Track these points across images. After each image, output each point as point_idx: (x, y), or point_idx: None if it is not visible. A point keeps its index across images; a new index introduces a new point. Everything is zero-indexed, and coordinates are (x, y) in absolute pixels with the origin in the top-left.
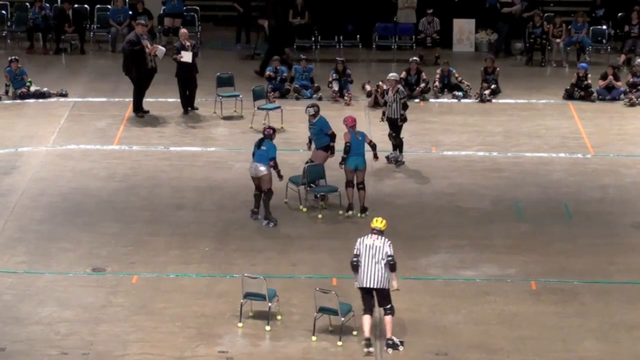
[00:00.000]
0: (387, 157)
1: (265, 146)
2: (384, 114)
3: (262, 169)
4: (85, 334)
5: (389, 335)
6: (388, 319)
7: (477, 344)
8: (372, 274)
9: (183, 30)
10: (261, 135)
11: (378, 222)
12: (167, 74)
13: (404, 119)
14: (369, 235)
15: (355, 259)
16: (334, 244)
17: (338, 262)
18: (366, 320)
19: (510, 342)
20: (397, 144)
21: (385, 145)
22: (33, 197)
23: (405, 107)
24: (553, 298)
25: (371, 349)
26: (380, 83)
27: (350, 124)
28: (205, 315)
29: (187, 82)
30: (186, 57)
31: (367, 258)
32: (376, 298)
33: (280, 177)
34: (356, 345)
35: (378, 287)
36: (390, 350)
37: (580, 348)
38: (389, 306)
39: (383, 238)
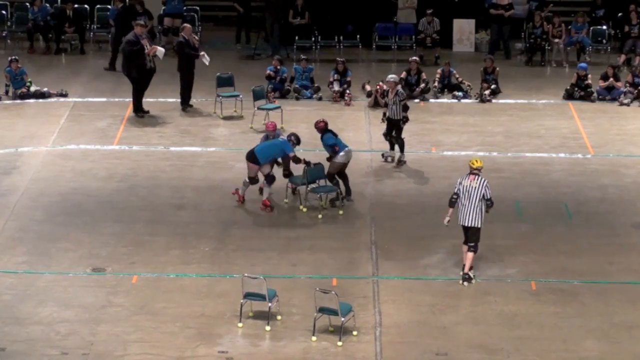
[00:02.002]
0: (383, 155)
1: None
2: (384, 115)
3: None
4: (85, 334)
5: (466, 270)
6: (470, 255)
7: (477, 344)
8: (467, 214)
9: (187, 26)
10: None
11: (477, 162)
12: (167, 74)
13: (406, 120)
14: (467, 175)
15: (454, 197)
16: (334, 244)
17: (338, 262)
18: (464, 250)
19: (510, 342)
20: (399, 145)
21: (384, 146)
22: (33, 197)
23: (405, 108)
24: (553, 298)
25: (465, 284)
26: (381, 83)
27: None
28: (205, 315)
29: (190, 76)
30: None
31: (464, 198)
32: (466, 234)
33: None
34: (356, 345)
35: (470, 225)
36: (465, 284)
37: (581, 348)
38: (473, 244)
39: (480, 179)
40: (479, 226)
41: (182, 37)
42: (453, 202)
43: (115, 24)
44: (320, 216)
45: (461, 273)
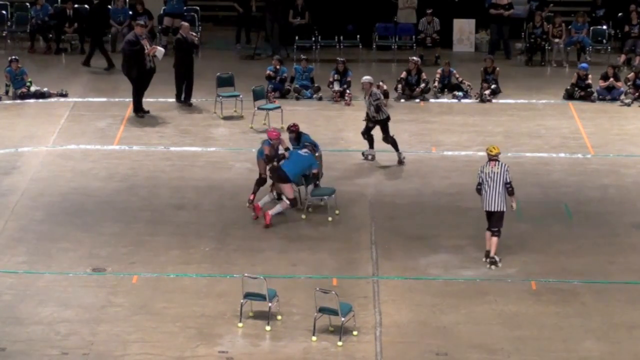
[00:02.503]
0: (363, 154)
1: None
2: (368, 115)
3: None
4: (85, 334)
5: (492, 253)
6: (495, 240)
7: (477, 344)
8: (492, 199)
9: (184, 24)
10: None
11: (495, 149)
12: (167, 74)
13: (388, 117)
14: (487, 163)
15: (478, 187)
16: (334, 244)
17: (338, 262)
18: (488, 236)
19: (510, 342)
20: (391, 143)
21: (384, 146)
22: (33, 197)
23: (378, 109)
24: (553, 298)
25: (492, 267)
26: (381, 83)
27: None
28: (205, 315)
29: (187, 72)
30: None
31: (486, 185)
32: (490, 220)
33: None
34: (356, 345)
35: (495, 210)
36: (492, 267)
37: (581, 348)
38: (497, 229)
39: (500, 164)
40: (504, 210)
41: (180, 35)
42: (480, 190)
43: (88, 20)
44: (330, 219)
45: (486, 259)
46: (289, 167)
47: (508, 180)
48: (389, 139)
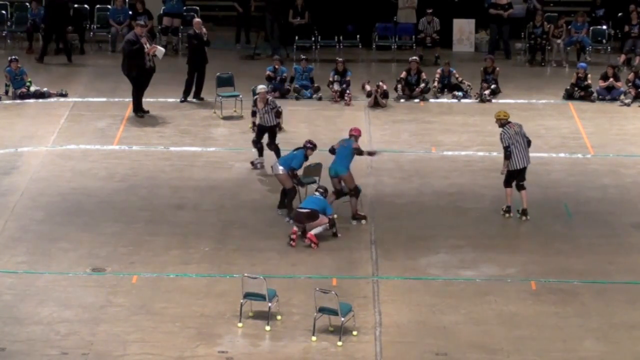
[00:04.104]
0: (252, 163)
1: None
2: (254, 124)
3: (280, 169)
4: (85, 334)
5: (525, 205)
6: (524, 192)
7: (477, 344)
8: (522, 156)
9: (196, 20)
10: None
11: (505, 113)
12: (167, 74)
13: (280, 127)
14: (506, 128)
15: (508, 150)
16: (334, 244)
17: (338, 262)
18: (509, 191)
19: (510, 342)
20: (274, 150)
21: (385, 146)
22: (33, 197)
23: (278, 114)
24: (553, 298)
25: (524, 218)
26: (381, 83)
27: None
28: (205, 315)
29: (199, 69)
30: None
31: (514, 147)
32: (520, 176)
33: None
34: (356, 345)
35: (527, 164)
36: (523, 218)
37: (581, 348)
38: (523, 182)
39: (516, 124)
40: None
41: (193, 31)
42: (509, 154)
43: (45, 14)
44: (335, 216)
45: (510, 213)
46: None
47: (527, 136)
48: (273, 146)
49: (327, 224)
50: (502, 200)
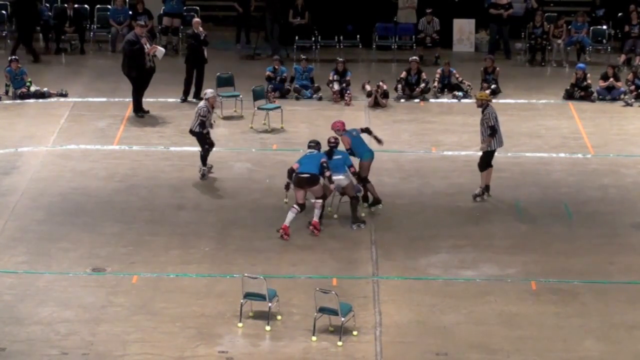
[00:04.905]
0: (201, 172)
1: (338, 154)
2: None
3: (341, 177)
4: (85, 334)
5: (488, 182)
6: (491, 169)
7: (477, 344)
8: (501, 138)
9: (195, 19)
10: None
11: (487, 95)
12: (167, 74)
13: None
14: (489, 107)
15: (494, 129)
16: (334, 244)
17: (338, 262)
18: (485, 174)
19: (510, 342)
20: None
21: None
22: (33, 197)
23: (202, 125)
24: (553, 298)
25: (477, 199)
26: (381, 83)
27: (341, 127)
28: (205, 315)
29: (197, 69)
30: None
31: (497, 126)
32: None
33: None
34: (356, 345)
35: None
36: (485, 196)
37: (581, 348)
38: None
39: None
40: None
41: (191, 30)
42: (495, 133)
43: (15, 11)
44: (335, 216)
45: (485, 193)
46: (306, 167)
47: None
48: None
49: (323, 203)
50: (502, 200)
